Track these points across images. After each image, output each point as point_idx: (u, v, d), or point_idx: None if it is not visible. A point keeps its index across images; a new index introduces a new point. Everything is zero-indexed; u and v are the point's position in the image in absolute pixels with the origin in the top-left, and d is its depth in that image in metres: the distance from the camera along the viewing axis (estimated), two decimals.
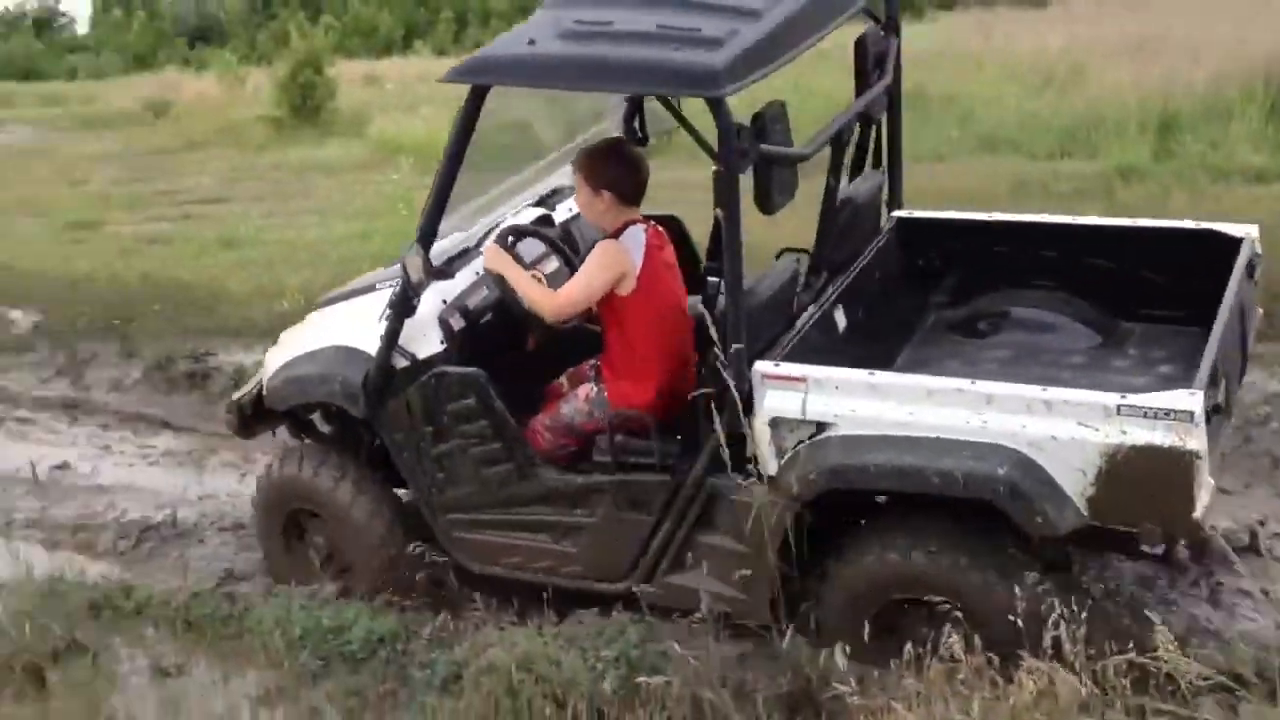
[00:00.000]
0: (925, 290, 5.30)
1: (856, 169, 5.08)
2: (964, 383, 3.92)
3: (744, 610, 4.24)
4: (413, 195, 10.73)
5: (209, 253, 10.90)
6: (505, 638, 4.16)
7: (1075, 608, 3.59)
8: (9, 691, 4.55)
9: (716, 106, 3.87)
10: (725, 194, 4.00)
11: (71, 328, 8.94)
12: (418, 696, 4.24)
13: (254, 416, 5.32)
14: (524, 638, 4.14)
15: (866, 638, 3.90)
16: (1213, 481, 3.71)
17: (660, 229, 4.62)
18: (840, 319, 4.71)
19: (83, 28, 47.52)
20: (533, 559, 4.64)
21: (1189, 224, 4.93)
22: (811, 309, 4.62)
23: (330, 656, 4.56)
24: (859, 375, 4.03)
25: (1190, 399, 3.60)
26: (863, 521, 4.22)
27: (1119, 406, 3.65)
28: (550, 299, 4.54)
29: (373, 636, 4.56)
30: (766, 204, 4.17)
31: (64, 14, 49.10)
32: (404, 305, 4.58)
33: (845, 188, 4.87)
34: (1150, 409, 3.61)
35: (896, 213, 5.35)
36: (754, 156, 4.01)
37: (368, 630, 4.57)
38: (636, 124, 5.21)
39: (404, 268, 4.46)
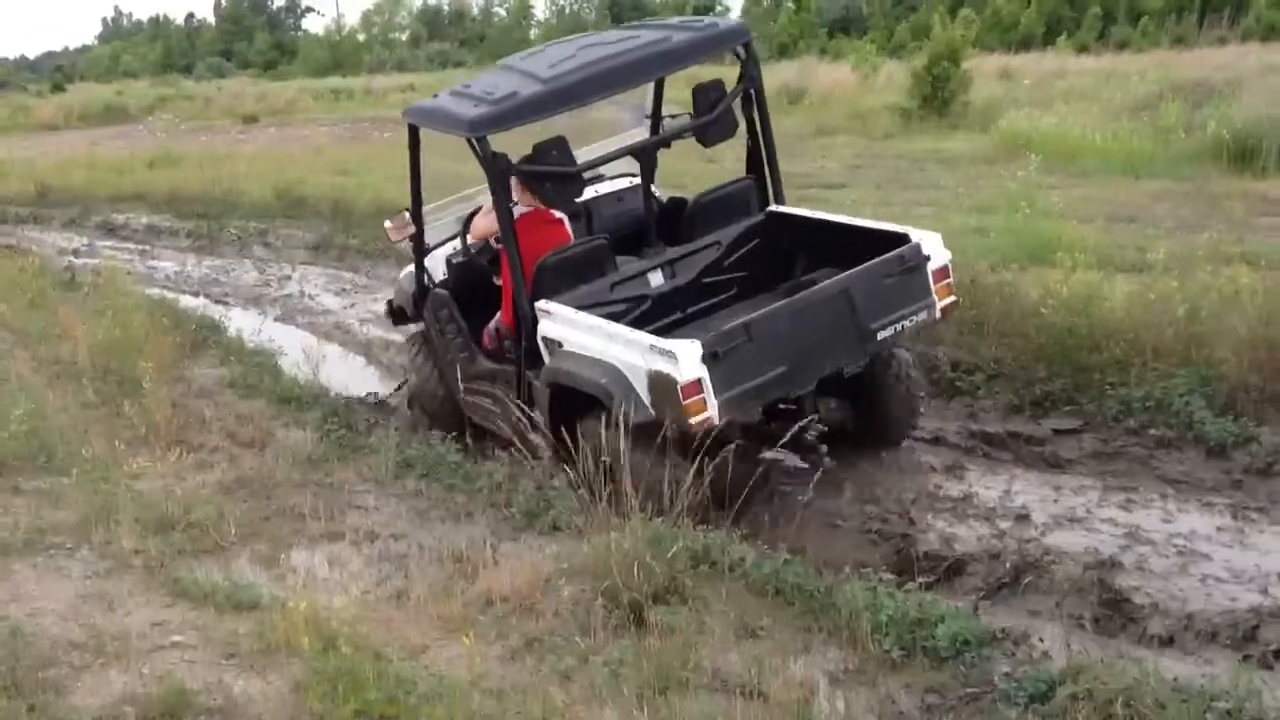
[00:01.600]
0: (789, 265, 6.80)
1: (750, 173, 7.02)
2: (602, 321, 5.98)
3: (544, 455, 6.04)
4: (1036, 193, 10.31)
5: None
6: (1104, 666, 3.87)
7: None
8: (612, 623, 4.86)
9: (474, 143, 6.07)
10: (495, 191, 6.26)
11: None
12: (1000, 708, 4.05)
13: (397, 313, 7.82)
14: (1127, 668, 3.84)
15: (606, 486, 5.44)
16: (719, 402, 5.47)
17: (545, 210, 6.66)
18: (656, 279, 6.63)
19: (734, 16, 50.77)
20: (492, 418, 6.79)
21: (900, 227, 6.31)
22: (620, 272, 6.53)
23: (912, 648, 4.47)
24: (568, 311, 6.09)
25: (677, 344, 5.50)
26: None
27: (650, 345, 5.60)
28: (472, 228, 7.15)
29: (959, 639, 4.42)
30: (545, 200, 6.49)
31: (721, 4, 52.73)
32: (419, 247, 7.25)
33: (703, 192, 7.01)
34: (658, 347, 5.55)
35: (771, 208, 6.95)
36: (509, 171, 6.18)
37: (956, 631, 4.43)
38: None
39: (385, 228, 7.31)
